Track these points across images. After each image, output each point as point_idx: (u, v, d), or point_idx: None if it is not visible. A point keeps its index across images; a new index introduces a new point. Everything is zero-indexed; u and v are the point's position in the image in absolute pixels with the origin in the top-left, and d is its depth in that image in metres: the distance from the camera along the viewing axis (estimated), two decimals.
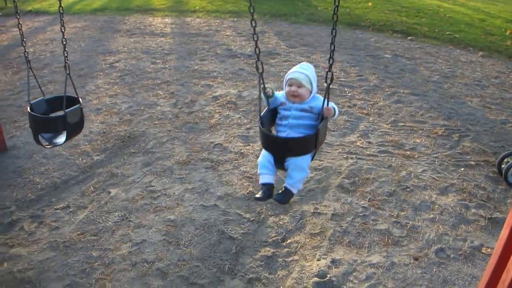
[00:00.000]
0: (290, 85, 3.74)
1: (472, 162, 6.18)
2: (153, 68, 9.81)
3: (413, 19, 15.33)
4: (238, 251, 4.54)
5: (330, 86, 3.40)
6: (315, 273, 4.27)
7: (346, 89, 8.42)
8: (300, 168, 3.57)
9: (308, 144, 3.41)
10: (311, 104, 3.68)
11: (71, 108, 5.06)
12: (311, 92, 3.72)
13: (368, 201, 5.27)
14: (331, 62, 3.32)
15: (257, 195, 3.65)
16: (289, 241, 4.70)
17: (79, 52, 11.06)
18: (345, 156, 6.17)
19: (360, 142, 6.56)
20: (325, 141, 6.46)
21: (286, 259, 4.46)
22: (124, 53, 10.93)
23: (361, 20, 14.56)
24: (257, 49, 3.39)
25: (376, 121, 7.25)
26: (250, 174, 5.75)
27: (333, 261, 4.39)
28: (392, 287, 4.08)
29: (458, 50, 12.16)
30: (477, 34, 13.79)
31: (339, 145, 6.45)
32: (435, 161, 6.12)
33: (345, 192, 5.44)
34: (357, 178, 5.68)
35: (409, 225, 4.91)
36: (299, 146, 3.43)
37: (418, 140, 6.65)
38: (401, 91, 8.55)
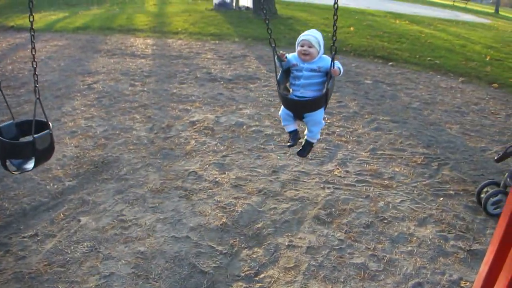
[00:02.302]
0: (302, 46, 4.10)
1: (451, 192, 6.13)
2: (131, 90, 9.69)
3: (395, 44, 15.44)
4: (209, 286, 4.41)
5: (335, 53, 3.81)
6: None
7: (325, 116, 8.34)
8: (318, 122, 4.10)
9: (320, 102, 3.89)
10: (319, 64, 4.05)
11: (40, 134, 4.94)
12: (319, 52, 4.09)
13: (345, 233, 5.17)
14: (334, 28, 3.67)
15: (289, 143, 4.32)
16: (262, 275, 4.57)
17: (58, 72, 10.92)
18: (322, 186, 6.09)
19: (338, 171, 6.49)
20: (302, 169, 6.41)
21: None
22: (103, 73, 10.82)
23: (343, 45, 14.56)
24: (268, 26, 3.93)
25: (354, 149, 7.19)
26: (224, 204, 5.62)
27: None
28: None
29: (438, 76, 12.23)
30: (457, 60, 13.91)
31: (316, 174, 6.37)
32: (413, 191, 6.05)
33: (321, 224, 5.33)
34: (333, 209, 5.58)
35: (386, 258, 4.82)
36: (312, 105, 3.90)
37: (397, 169, 6.59)
38: (381, 118, 8.52)
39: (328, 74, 3.90)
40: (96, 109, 8.62)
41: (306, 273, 4.60)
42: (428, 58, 13.77)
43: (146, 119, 8.17)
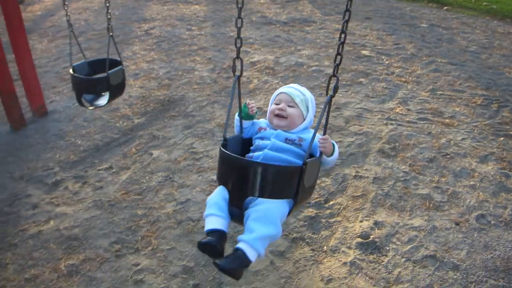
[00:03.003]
0: (277, 103, 3.08)
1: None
2: (189, 34, 9.77)
3: None
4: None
5: (332, 99, 2.66)
6: (358, 234, 4.28)
7: (383, 57, 8.31)
8: (269, 219, 2.54)
9: (288, 181, 2.58)
10: (301, 135, 2.95)
11: (114, 70, 5.11)
12: (304, 119, 3.07)
13: (409, 166, 5.22)
14: (338, 60, 2.64)
15: (203, 240, 2.50)
16: (331, 202, 4.70)
17: (114, 20, 10.97)
18: (384, 122, 6.12)
19: (399, 109, 6.49)
20: (364, 107, 6.43)
21: (329, 220, 4.47)
22: (158, 20, 10.89)
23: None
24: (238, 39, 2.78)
25: (414, 89, 7.16)
26: None
27: (376, 223, 4.39)
28: (434, 250, 4.06)
29: (495, 21, 11.91)
30: None
31: (379, 111, 6.40)
32: (474, 130, 6.03)
33: (385, 157, 5.40)
34: (397, 144, 5.63)
35: (449, 190, 4.86)
36: (273, 179, 2.55)
37: (457, 109, 6.55)
38: (439, 60, 8.42)
39: (308, 151, 2.61)
40: (156, 52, 8.75)
41: (373, 201, 4.70)
42: (484, 3, 13.40)
43: (207, 61, 8.27)
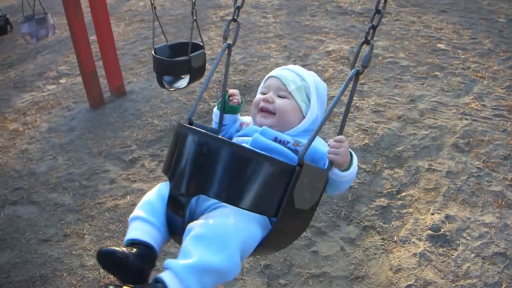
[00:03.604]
0: (264, 92, 2.34)
1: None
2: (264, 22, 9.90)
3: None
4: (354, 199, 4.63)
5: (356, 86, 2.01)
6: (429, 226, 4.30)
7: (459, 51, 8.20)
8: (219, 241, 1.67)
9: (271, 183, 1.72)
10: (299, 138, 2.14)
11: (196, 53, 5.27)
12: (303, 117, 2.26)
13: (483, 162, 5.18)
14: (376, 20, 2.02)
15: (103, 249, 1.73)
16: (403, 194, 4.74)
17: (189, 6, 11.24)
18: (459, 117, 6.08)
19: (475, 104, 6.43)
20: (439, 100, 6.41)
21: (401, 211, 4.51)
22: (233, 7, 11.00)
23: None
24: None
25: (490, 84, 7.06)
26: (365, 127, 5.78)
27: (447, 217, 4.40)
28: (504, 248, 4.04)
29: None
30: None
31: (454, 106, 6.35)
32: None
33: (459, 152, 5.38)
34: (471, 139, 5.59)
35: None
36: (251, 176, 1.70)
37: None
38: None
39: (303, 152, 1.76)
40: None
41: (445, 195, 4.70)
42: None
43: (282, 48, 8.37)
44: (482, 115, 6.14)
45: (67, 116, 6.84)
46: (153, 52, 5.30)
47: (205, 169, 1.71)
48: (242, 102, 2.40)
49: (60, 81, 8.29)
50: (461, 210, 4.49)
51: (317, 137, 1.90)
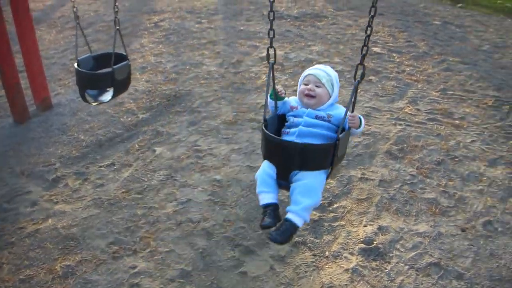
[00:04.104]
0: (306, 84, 3.36)
1: None
2: (199, 27, 9.67)
3: None
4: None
5: (359, 83, 2.97)
6: (361, 239, 4.18)
7: (394, 55, 8.18)
8: (310, 191, 2.97)
9: (325, 155, 2.96)
10: (329, 112, 3.27)
11: (119, 65, 5.02)
12: (330, 96, 3.36)
13: (416, 169, 5.12)
14: (364, 51, 2.94)
15: (263, 222, 3.02)
16: (335, 205, 4.60)
17: (123, 12, 10.94)
18: (393, 122, 6.00)
19: (409, 108, 6.37)
20: (373, 106, 6.33)
21: (332, 224, 4.37)
22: (168, 12, 10.81)
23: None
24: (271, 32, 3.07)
25: (425, 88, 7.03)
26: None
27: (380, 228, 4.29)
28: (438, 258, 3.97)
29: (509, 20, 11.70)
30: None
31: (387, 111, 6.28)
32: (484, 132, 5.89)
33: (393, 159, 5.29)
34: (405, 145, 5.52)
35: (457, 195, 4.75)
36: (312, 155, 2.96)
37: (467, 110, 6.42)
38: (451, 59, 8.27)
39: (339, 127, 2.98)
40: (164, 45, 8.68)
41: (378, 205, 4.60)
42: (499, 1, 13.23)
43: (215, 55, 8.18)
44: (416, 119, 6.09)
45: None
46: (75, 64, 5.04)
47: (291, 159, 2.97)
48: (285, 93, 3.37)
49: None
50: (394, 220, 4.39)
51: (340, 107, 3.31)
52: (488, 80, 7.44)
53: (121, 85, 5.18)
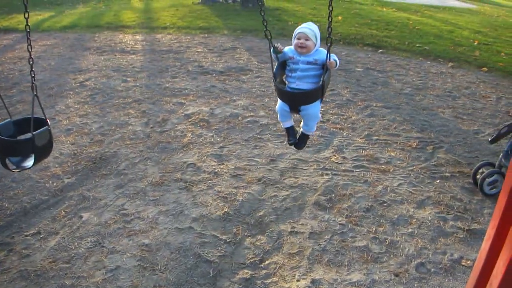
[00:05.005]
0: (298, 39, 4.16)
1: (447, 174, 6.19)
2: (124, 86, 9.67)
3: (383, 32, 15.44)
4: (216, 275, 4.45)
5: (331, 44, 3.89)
6: None
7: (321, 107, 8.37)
8: (314, 115, 4.12)
9: (316, 94, 3.94)
10: (315, 57, 4.11)
11: (39, 130, 4.95)
12: (315, 45, 4.14)
13: (346, 218, 5.23)
14: (330, 19, 3.79)
15: (288, 140, 4.37)
16: (267, 262, 4.62)
17: (49, 71, 10.86)
18: (320, 173, 6.13)
19: (335, 157, 6.52)
20: (299, 157, 6.44)
21: (265, 281, 4.38)
22: (94, 71, 10.77)
23: (332, 34, 14.49)
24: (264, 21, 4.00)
25: (350, 135, 7.23)
26: (225, 194, 5.66)
27: (313, 282, 4.33)
28: None
29: (428, 62, 12.25)
30: (446, 46, 13.94)
31: (314, 161, 6.41)
32: (410, 174, 6.10)
33: (322, 209, 5.38)
34: (333, 195, 5.63)
35: (387, 240, 4.88)
36: (308, 97, 3.97)
37: (392, 154, 6.63)
38: (374, 105, 8.56)
39: (324, 67, 3.95)
40: (90, 106, 8.60)
41: (310, 258, 4.65)
42: (417, 45, 13.78)
43: (141, 114, 8.17)
44: (343, 168, 6.23)
45: None
46: None
47: (298, 101, 4.02)
48: (283, 48, 4.12)
49: None
50: (327, 272, 4.44)
51: (322, 51, 4.01)
52: (411, 123, 7.72)
53: (42, 151, 5.07)
